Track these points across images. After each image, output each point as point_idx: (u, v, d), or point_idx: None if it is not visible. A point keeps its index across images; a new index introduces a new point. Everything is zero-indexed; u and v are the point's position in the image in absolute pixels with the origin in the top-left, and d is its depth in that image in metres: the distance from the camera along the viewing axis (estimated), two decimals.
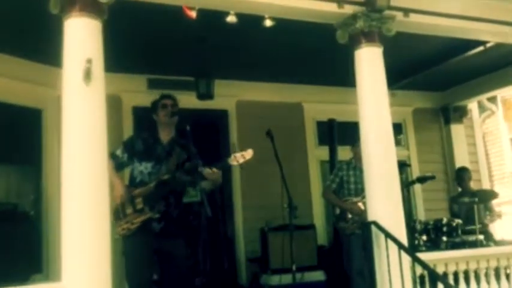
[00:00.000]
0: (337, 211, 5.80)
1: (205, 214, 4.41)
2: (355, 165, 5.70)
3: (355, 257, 5.49)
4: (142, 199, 4.19)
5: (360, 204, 5.57)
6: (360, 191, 5.57)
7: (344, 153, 6.38)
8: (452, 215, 6.87)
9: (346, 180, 5.73)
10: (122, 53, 5.28)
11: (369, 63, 4.93)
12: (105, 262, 3.57)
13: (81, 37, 3.81)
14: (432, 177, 6.52)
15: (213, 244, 6.31)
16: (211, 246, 6.06)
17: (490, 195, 7.05)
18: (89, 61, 3.64)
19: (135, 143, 4.38)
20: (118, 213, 4.23)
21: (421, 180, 6.61)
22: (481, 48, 6.39)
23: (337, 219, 5.79)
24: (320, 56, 6.35)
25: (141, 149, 4.34)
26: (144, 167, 4.29)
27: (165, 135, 4.46)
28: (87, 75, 3.63)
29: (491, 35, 5.81)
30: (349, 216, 5.60)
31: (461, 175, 7.45)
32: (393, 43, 5.00)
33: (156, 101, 4.57)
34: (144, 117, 6.92)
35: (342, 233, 5.80)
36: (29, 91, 5.93)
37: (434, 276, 4.39)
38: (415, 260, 4.34)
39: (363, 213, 5.39)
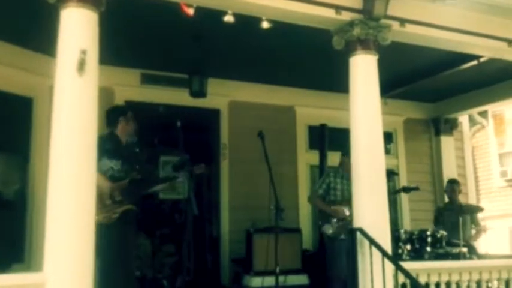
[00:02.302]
0: (322, 216, 5.86)
1: (192, 212, 4.46)
2: (342, 174, 5.84)
3: (338, 262, 5.58)
4: (119, 192, 4.45)
5: (345, 209, 5.66)
6: (345, 198, 5.70)
7: (334, 158, 6.39)
8: (436, 226, 6.89)
9: (333, 187, 5.86)
10: (116, 46, 5.26)
11: (363, 70, 4.95)
12: (88, 254, 3.55)
13: (77, 28, 3.79)
14: (416, 189, 6.63)
15: (198, 243, 6.31)
16: (195, 245, 6.07)
17: (477, 209, 7.11)
18: (84, 52, 3.62)
19: (105, 141, 4.60)
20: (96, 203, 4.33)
21: (406, 190, 6.69)
22: (474, 62, 6.43)
23: (322, 224, 5.86)
24: (315, 60, 6.37)
25: (110, 148, 4.62)
26: (114, 164, 4.61)
27: (124, 137, 4.85)
28: (81, 65, 3.61)
29: (486, 50, 5.85)
30: (334, 221, 5.69)
31: (453, 187, 7.48)
32: (388, 52, 5.02)
33: (128, 109, 5.02)
34: (136, 112, 6.94)
35: (326, 237, 5.87)
36: (20, 79, 5.88)
37: (416, 286, 4.41)
38: (398, 268, 4.35)
39: (346, 218, 5.55)
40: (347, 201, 5.65)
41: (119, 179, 4.52)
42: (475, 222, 7.23)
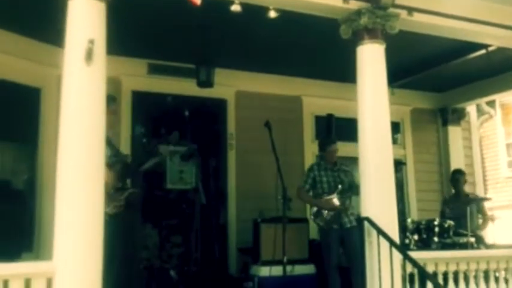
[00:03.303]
0: (314, 209, 5.94)
1: (200, 201, 4.49)
2: (326, 166, 5.98)
3: (332, 251, 5.70)
4: (117, 179, 4.52)
5: (334, 200, 5.79)
6: (332, 189, 5.85)
7: (341, 148, 6.38)
8: (443, 218, 6.87)
9: (319, 180, 5.95)
10: (124, 36, 5.25)
11: (371, 59, 4.94)
12: (97, 243, 3.57)
13: (85, 18, 3.81)
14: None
15: (205, 233, 6.34)
16: (203, 235, 6.09)
17: (483, 199, 7.10)
18: (91, 41, 3.63)
19: None
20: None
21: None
22: (483, 51, 6.38)
23: (314, 217, 5.93)
24: (322, 50, 6.35)
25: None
26: (108, 151, 4.58)
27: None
28: (89, 55, 3.62)
29: (494, 39, 5.82)
30: (325, 212, 5.77)
31: (457, 177, 7.45)
32: (395, 41, 5.00)
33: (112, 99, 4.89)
34: (142, 102, 6.96)
35: (319, 229, 5.97)
36: (28, 69, 5.90)
37: (424, 275, 4.42)
38: (406, 257, 4.36)
39: (337, 208, 5.72)
40: (335, 192, 5.83)
41: (112, 165, 4.55)
42: (481, 212, 7.21)
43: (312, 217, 5.98)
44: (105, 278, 3.68)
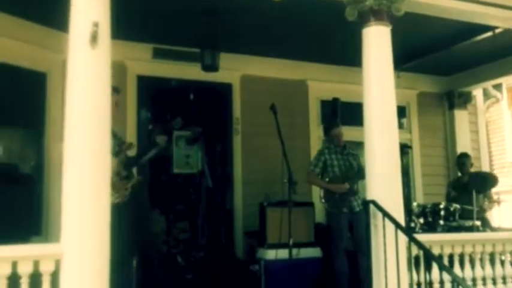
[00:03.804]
0: (323, 193, 6.02)
1: (206, 184, 4.51)
2: (335, 149, 6.03)
3: (341, 235, 5.80)
4: (122, 167, 4.58)
5: (346, 183, 5.89)
6: (343, 173, 5.94)
7: (347, 133, 6.37)
8: (448, 201, 6.87)
9: (330, 164, 6.02)
10: (128, 20, 5.24)
11: (377, 41, 4.91)
12: (104, 225, 3.60)
13: (90, 1, 3.78)
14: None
15: (212, 217, 6.37)
16: (209, 219, 6.12)
17: (490, 179, 7.06)
18: (96, 24, 3.62)
19: None
20: None
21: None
22: (489, 33, 6.33)
23: (324, 200, 6.02)
24: (327, 34, 6.32)
25: None
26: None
27: None
28: (94, 38, 3.62)
29: (501, 21, 5.77)
30: (336, 196, 5.86)
31: (463, 161, 7.44)
32: (401, 24, 4.96)
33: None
34: (147, 87, 6.96)
35: (329, 212, 6.05)
36: (34, 54, 5.90)
37: (429, 257, 4.42)
38: (411, 239, 4.36)
39: (347, 191, 5.84)
40: (346, 175, 5.91)
41: (116, 154, 4.57)
42: (487, 195, 7.20)
43: (323, 200, 6.04)
44: (117, 269, 3.74)
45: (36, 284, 3.46)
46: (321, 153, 6.16)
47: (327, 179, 6.03)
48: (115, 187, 4.43)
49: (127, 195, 4.53)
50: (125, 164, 4.64)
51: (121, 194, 4.48)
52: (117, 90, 4.67)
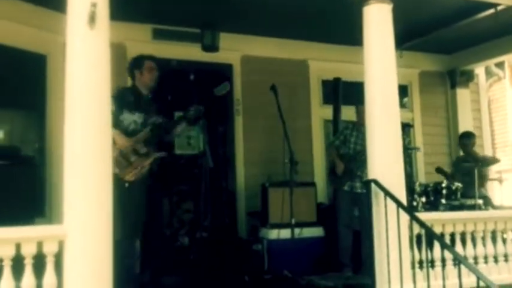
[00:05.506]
0: (330, 169, 6.21)
1: (207, 165, 4.51)
2: (358, 127, 6.01)
3: (342, 210, 5.97)
4: (143, 144, 4.57)
5: (342, 165, 5.99)
6: (356, 151, 5.96)
7: (348, 112, 6.36)
8: (450, 179, 6.88)
9: (348, 140, 6.10)
10: (127, 0, 5.20)
11: (378, 20, 4.87)
12: (106, 205, 3.62)
13: None
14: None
15: (215, 198, 6.38)
16: (212, 200, 6.14)
17: (493, 161, 7.07)
18: (94, 5, 3.60)
19: (125, 94, 4.66)
20: (121, 164, 4.39)
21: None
22: (491, 10, 6.26)
23: (330, 174, 6.22)
24: (328, 12, 6.25)
25: (131, 101, 4.68)
26: (137, 117, 4.67)
27: (144, 89, 4.88)
28: (92, 19, 3.60)
29: None
30: (340, 170, 5.98)
31: (466, 140, 7.43)
32: (403, 2, 4.91)
33: (142, 60, 4.92)
34: None
35: (334, 189, 6.28)
36: (33, 36, 5.87)
37: (431, 235, 4.45)
38: (413, 218, 4.38)
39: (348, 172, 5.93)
40: (355, 156, 5.96)
41: (137, 131, 4.62)
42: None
43: (329, 174, 6.27)
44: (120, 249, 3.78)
45: (40, 265, 3.49)
46: (346, 127, 6.30)
47: (341, 153, 6.12)
48: (132, 165, 4.44)
49: (144, 173, 4.52)
50: (147, 140, 4.63)
51: (138, 171, 4.47)
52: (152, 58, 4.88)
